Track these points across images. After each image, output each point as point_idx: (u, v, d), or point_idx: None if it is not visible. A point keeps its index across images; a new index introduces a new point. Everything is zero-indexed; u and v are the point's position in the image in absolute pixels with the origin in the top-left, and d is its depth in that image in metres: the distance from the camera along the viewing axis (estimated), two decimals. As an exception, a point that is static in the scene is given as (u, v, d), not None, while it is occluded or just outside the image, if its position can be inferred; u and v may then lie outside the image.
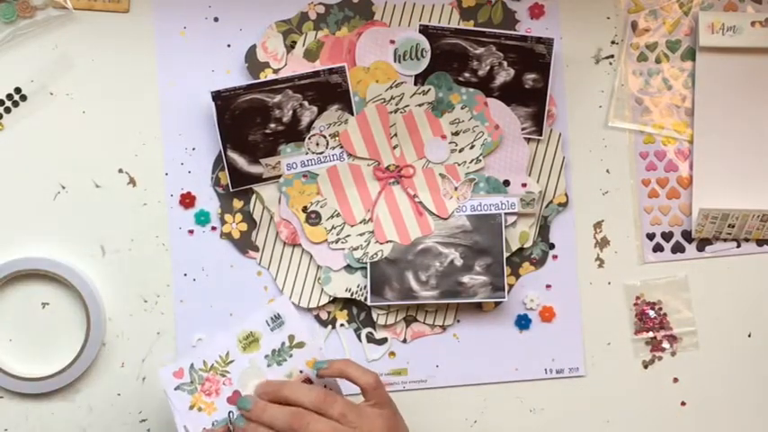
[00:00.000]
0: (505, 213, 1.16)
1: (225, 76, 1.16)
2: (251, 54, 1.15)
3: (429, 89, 1.16)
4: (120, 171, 1.15)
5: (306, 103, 1.15)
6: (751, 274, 1.21)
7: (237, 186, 1.15)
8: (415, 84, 1.16)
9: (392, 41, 1.16)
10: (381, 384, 1.05)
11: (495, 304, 1.18)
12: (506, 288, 1.16)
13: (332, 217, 1.16)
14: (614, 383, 1.20)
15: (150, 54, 1.15)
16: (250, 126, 1.14)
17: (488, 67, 1.16)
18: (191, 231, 1.16)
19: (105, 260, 1.15)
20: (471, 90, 1.16)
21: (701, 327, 1.20)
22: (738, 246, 1.20)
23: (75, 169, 1.15)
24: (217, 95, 1.13)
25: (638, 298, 1.20)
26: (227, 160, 1.14)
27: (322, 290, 1.16)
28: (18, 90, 1.14)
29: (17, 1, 1.13)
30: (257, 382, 1.07)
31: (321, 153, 1.15)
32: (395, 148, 1.16)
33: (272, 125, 1.15)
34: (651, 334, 1.20)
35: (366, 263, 1.16)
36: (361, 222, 1.16)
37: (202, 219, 1.16)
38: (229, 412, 1.06)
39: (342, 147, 1.15)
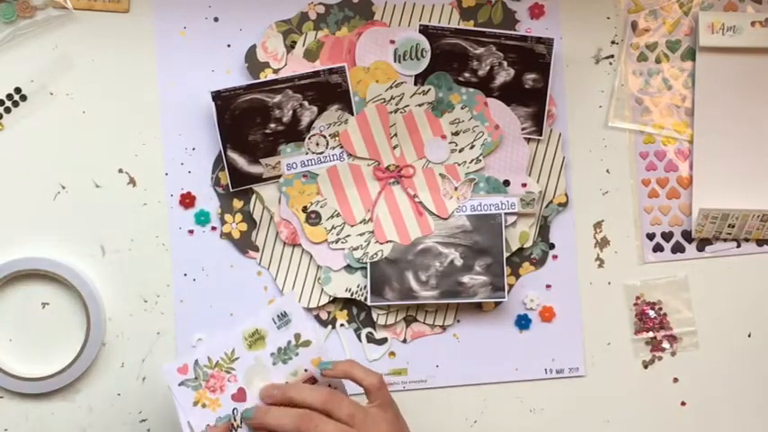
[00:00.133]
0: (505, 213, 1.16)
1: (225, 76, 1.15)
2: (251, 54, 1.15)
3: (429, 89, 1.15)
4: (120, 171, 1.15)
5: (306, 103, 1.15)
6: (751, 274, 1.21)
7: (237, 186, 1.15)
8: (415, 84, 1.16)
9: (392, 41, 1.16)
10: (385, 385, 1.05)
11: (495, 304, 1.18)
12: (506, 288, 1.16)
13: (332, 217, 1.15)
14: (614, 383, 1.20)
15: (150, 54, 1.15)
16: (250, 126, 1.14)
17: (488, 67, 1.16)
18: (191, 231, 1.16)
19: (105, 260, 1.15)
20: (471, 90, 1.16)
21: (701, 327, 1.20)
22: (738, 246, 1.20)
23: (75, 169, 1.15)
24: (217, 95, 1.13)
25: (638, 298, 1.20)
26: (227, 160, 1.14)
27: (322, 290, 1.16)
28: (18, 90, 1.14)
29: (17, 1, 1.13)
30: (262, 380, 1.06)
31: (321, 153, 1.15)
32: (395, 148, 1.16)
33: (272, 125, 1.14)
34: (651, 334, 1.20)
35: (366, 263, 1.15)
36: (361, 222, 1.16)
37: (202, 219, 1.16)
38: (233, 409, 1.06)
39: (342, 147, 1.15)
